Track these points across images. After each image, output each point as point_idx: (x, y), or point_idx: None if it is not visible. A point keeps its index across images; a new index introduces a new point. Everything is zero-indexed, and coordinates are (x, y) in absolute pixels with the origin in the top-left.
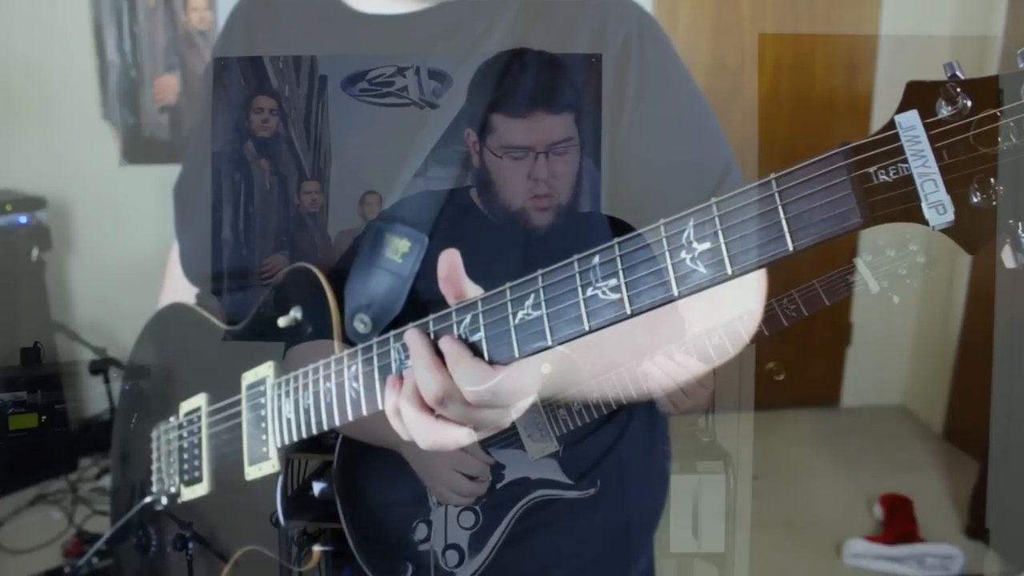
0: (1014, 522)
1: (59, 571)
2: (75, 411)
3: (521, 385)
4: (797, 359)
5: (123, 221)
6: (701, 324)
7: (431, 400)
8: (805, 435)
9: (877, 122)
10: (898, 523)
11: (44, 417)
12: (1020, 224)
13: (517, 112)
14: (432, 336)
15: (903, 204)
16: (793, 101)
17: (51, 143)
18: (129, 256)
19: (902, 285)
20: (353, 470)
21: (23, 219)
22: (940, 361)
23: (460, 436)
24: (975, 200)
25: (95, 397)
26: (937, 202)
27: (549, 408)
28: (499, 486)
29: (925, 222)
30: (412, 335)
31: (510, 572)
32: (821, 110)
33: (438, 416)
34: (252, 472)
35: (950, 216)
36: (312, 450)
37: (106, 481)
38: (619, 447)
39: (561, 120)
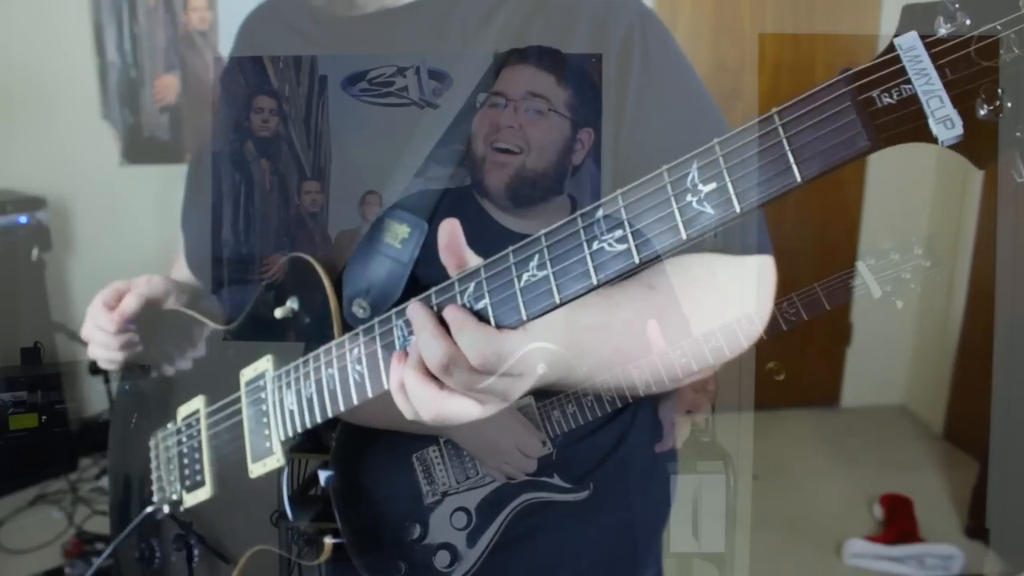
0: (1014, 522)
1: (59, 571)
2: (75, 411)
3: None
4: (797, 359)
5: (123, 221)
6: (706, 323)
7: (435, 368)
8: (805, 435)
9: None
10: (898, 523)
11: (44, 417)
12: None
13: (508, 63)
14: (435, 308)
15: (910, 123)
16: None
17: (51, 143)
18: (129, 256)
19: (906, 290)
20: (350, 468)
21: (23, 219)
22: (940, 361)
23: (467, 408)
24: (982, 112)
25: (95, 397)
26: (944, 117)
27: (543, 410)
28: (494, 487)
29: (934, 140)
30: (414, 307)
31: (513, 573)
32: None
33: (443, 387)
34: (256, 469)
35: (958, 130)
36: (312, 451)
37: (106, 481)
38: (622, 449)
39: (540, 76)
